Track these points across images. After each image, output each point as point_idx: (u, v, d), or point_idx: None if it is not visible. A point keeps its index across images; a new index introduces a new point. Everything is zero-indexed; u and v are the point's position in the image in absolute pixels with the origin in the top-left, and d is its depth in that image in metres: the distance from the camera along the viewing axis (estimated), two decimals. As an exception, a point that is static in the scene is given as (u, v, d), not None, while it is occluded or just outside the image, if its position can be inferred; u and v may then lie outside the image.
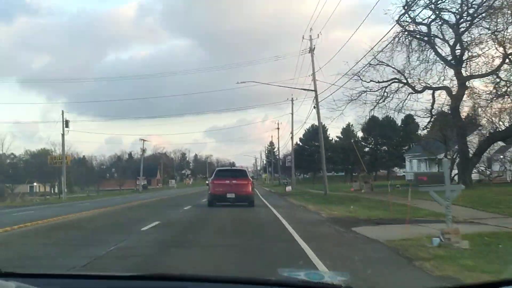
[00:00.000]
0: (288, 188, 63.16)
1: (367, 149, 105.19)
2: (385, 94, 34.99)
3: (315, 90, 44.79)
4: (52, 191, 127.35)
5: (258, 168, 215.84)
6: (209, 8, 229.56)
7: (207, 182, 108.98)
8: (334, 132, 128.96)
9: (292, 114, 73.73)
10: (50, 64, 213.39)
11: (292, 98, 73.64)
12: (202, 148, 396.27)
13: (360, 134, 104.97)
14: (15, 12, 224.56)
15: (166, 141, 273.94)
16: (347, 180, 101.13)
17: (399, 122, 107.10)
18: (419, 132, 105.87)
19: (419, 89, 35.08)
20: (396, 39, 33.59)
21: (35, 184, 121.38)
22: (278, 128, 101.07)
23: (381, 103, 34.97)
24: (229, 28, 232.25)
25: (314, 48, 45.11)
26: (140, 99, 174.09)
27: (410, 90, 35.16)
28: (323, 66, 53.99)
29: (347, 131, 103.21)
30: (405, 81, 34.99)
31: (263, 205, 31.42)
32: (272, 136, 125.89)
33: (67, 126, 68.33)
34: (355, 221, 18.62)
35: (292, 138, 74.22)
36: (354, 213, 22.28)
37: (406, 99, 35.13)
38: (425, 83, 34.92)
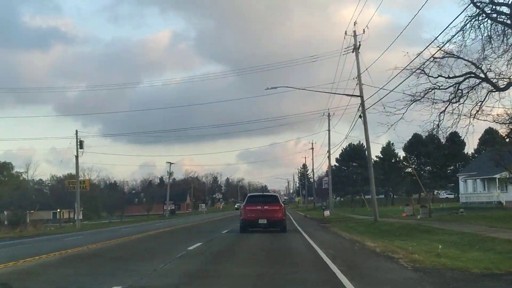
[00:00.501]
0: (326, 213, 54.77)
1: (409, 169, 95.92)
2: (460, 92, 26.47)
3: (361, 96, 36.61)
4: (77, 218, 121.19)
5: (291, 191, 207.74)
6: (240, 33, 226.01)
7: (236, 206, 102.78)
8: (372, 152, 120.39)
9: (329, 130, 65.49)
10: (86, 90, 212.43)
11: (328, 113, 65.49)
12: (234, 172, 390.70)
13: (401, 153, 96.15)
14: (52, 41, 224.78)
15: (198, 166, 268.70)
16: (388, 203, 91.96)
17: (443, 140, 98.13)
18: (466, 151, 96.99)
19: (501, 86, 26.55)
20: (469, 24, 25.32)
21: (58, 210, 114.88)
22: (312, 148, 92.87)
23: (454, 102, 26.33)
24: (260, 53, 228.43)
25: (360, 45, 37.05)
26: (174, 124, 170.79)
27: (490, 87, 26.66)
28: (369, 66, 44.15)
29: (387, 150, 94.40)
30: (483, 75, 26.52)
31: (300, 238, 23.27)
32: (305, 158, 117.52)
33: (81, 147, 61.32)
34: (472, 279, 10.40)
35: (329, 157, 65.88)
36: (447, 257, 13.93)
37: (485, 99, 26.55)
38: (509, 78, 26.39)
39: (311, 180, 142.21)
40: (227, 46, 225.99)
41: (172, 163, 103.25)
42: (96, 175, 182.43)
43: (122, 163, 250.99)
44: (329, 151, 65.44)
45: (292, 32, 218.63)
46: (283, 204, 29.24)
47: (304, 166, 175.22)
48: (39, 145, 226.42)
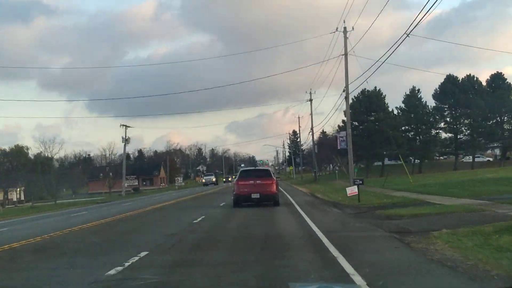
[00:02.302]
0: (352, 191, 28.20)
1: (442, 123, 69.16)
2: None
3: None
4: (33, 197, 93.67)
5: (280, 161, 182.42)
6: (227, 1, 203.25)
7: (203, 180, 78.21)
8: (392, 101, 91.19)
9: (345, 54, 38.55)
10: (70, 64, 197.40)
11: (344, 28, 38.79)
12: (222, 144, 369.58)
13: (430, 102, 68.93)
14: (33, 13, 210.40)
15: (186, 139, 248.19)
16: (414, 170, 65.13)
17: (483, 82, 71.12)
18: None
19: None
20: None
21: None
22: (311, 100, 65.69)
23: None
24: (248, 21, 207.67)
25: None
26: (161, 96, 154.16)
27: None
28: None
29: (412, 99, 67.30)
30: None
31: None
32: (299, 118, 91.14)
33: None
34: None
35: (346, 97, 38.97)
36: None
37: None
38: None
39: (302, 148, 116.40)
40: (213, 14, 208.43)
41: (129, 127, 75.08)
42: (58, 148, 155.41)
43: (109, 137, 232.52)
44: (347, 87, 38.55)
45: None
46: (275, 178, 27.59)
47: (295, 132, 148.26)
48: (25, 120, 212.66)
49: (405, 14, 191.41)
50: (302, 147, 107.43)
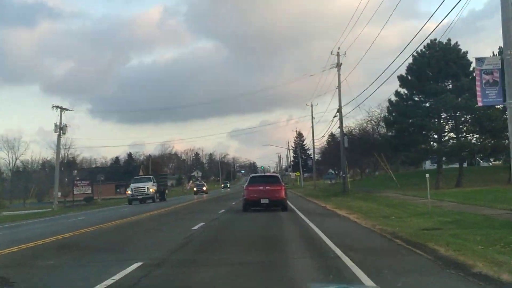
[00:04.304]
0: None
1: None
2: None
3: None
4: None
5: (283, 166, 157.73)
6: (233, 8, 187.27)
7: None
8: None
9: None
10: (73, 69, 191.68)
11: None
12: (223, 150, 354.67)
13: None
14: (37, 17, 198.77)
15: (189, 145, 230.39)
16: (505, 177, 38.52)
17: None
18: None
19: None
20: None
21: None
22: (338, 66, 39.87)
23: None
24: (254, 28, 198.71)
25: None
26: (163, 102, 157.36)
27: None
28: None
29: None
30: None
31: None
32: (311, 107, 65.71)
33: None
34: None
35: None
36: None
37: None
38: None
39: (308, 152, 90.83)
40: (219, 21, 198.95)
41: (65, 109, 48.75)
42: (24, 149, 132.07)
43: (112, 142, 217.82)
44: None
45: (288, 5, 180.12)
46: (284, 184, 27.07)
47: (300, 135, 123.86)
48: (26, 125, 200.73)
49: None
50: (306, 152, 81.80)
